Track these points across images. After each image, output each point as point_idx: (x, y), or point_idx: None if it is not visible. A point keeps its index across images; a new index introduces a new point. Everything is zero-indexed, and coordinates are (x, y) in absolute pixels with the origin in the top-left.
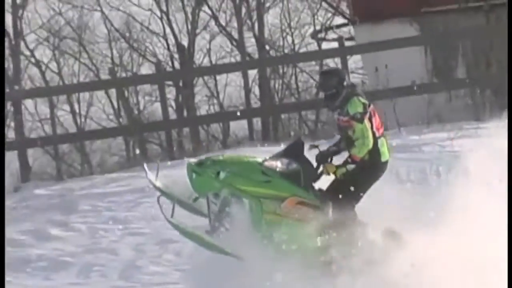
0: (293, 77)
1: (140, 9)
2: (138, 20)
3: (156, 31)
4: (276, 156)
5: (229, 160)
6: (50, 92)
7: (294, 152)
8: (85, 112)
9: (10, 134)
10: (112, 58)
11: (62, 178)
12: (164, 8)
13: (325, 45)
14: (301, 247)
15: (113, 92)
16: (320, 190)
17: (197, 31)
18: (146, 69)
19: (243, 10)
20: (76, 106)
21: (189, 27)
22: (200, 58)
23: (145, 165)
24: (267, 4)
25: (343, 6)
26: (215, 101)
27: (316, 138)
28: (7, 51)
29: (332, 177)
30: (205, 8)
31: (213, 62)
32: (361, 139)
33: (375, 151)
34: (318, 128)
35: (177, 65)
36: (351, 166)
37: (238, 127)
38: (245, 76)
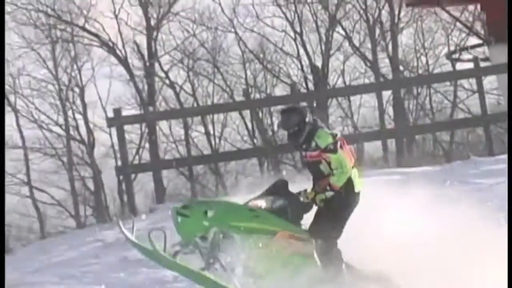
0: (427, 98)
1: (274, 30)
2: (272, 42)
3: (290, 52)
4: (260, 197)
5: (214, 201)
6: (185, 114)
7: (277, 190)
8: (219, 133)
9: (145, 155)
10: (246, 79)
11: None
12: (298, 30)
13: (459, 66)
14: (306, 279)
15: (247, 113)
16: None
17: (331, 52)
18: (280, 90)
19: (377, 31)
20: (210, 127)
21: (323, 48)
22: (334, 79)
23: (120, 222)
24: (401, 25)
25: (478, 27)
26: (349, 122)
27: (451, 159)
28: (142, 73)
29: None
30: (339, 29)
31: (347, 83)
32: (339, 168)
33: (349, 182)
34: (453, 148)
35: (311, 86)
36: (329, 193)
37: (373, 148)
38: (379, 97)
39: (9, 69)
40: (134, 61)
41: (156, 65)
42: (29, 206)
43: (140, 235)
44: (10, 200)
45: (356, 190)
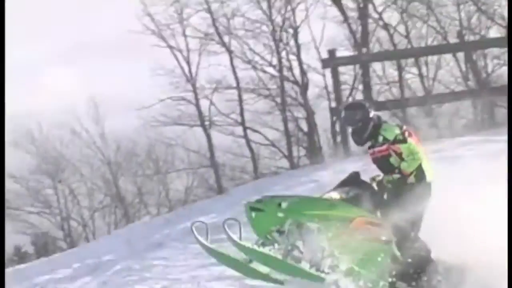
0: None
1: None
2: None
3: None
4: (334, 189)
5: (288, 195)
6: (398, 55)
7: (351, 181)
8: (433, 75)
9: (358, 96)
10: (460, 21)
11: None
12: None
13: None
14: (375, 267)
15: (461, 55)
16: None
17: None
18: (495, 32)
19: None
20: (424, 69)
21: None
22: None
23: (193, 227)
24: None
25: None
26: None
27: None
28: (356, 14)
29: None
30: None
31: None
32: (411, 155)
33: (421, 171)
34: None
35: None
36: (396, 176)
37: None
38: None
39: (223, 10)
40: (348, 3)
41: (370, 6)
42: (243, 147)
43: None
44: (224, 140)
45: (428, 179)
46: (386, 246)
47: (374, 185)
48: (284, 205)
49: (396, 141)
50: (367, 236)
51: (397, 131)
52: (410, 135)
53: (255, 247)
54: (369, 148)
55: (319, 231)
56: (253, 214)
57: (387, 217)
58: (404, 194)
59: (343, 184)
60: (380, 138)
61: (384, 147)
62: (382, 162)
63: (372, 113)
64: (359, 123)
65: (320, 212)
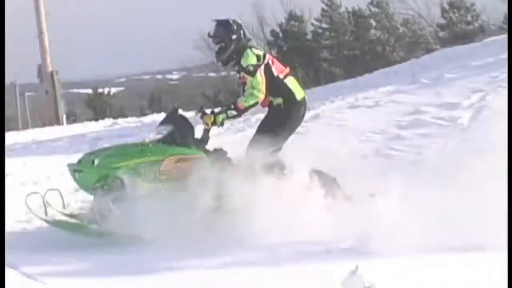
0: None
1: None
2: None
3: None
4: (153, 130)
5: (103, 148)
6: None
7: (168, 119)
8: None
9: None
10: None
11: None
12: None
13: None
14: (197, 203)
15: None
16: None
17: None
18: None
19: None
20: None
21: None
22: None
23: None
24: None
25: None
26: None
27: None
28: None
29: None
30: None
31: None
32: (250, 89)
33: (287, 92)
34: None
35: None
36: (232, 112)
37: None
38: None
39: None
40: None
41: None
42: None
43: None
44: None
45: (298, 97)
46: (202, 180)
47: (204, 123)
48: (96, 161)
49: (245, 70)
50: (177, 174)
51: (252, 61)
52: (269, 66)
53: (55, 218)
54: (237, 72)
55: (130, 180)
56: (76, 175)
57: (251, 141)
58: (274, 117)
59: (161, 123)
60: (240, 64)
61: (241, 74)
62: (243, 90)
63: (237, 35)
64: (219, 40)
65: (130, 161)
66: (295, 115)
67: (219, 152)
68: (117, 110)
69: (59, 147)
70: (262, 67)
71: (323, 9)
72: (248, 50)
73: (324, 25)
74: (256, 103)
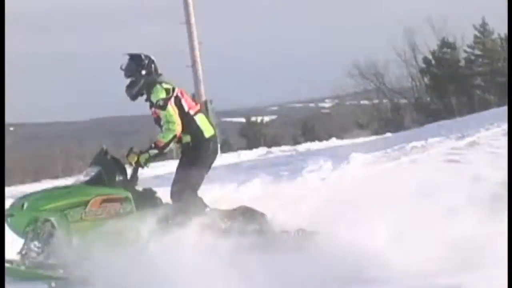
0: None
1: None
2: None
3: None
4: (84, 171)
5: (34, 192)
6: None
7: (98, 160)
8: None
9: None
10: None
11: None
12: None
13: None
14: (123, 240)
15: None
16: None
17: None
18: None
19: None
20: None
21: None
22: None
23: None
24: None
25: None
26: None
27: None
28: None
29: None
30: None
31: None
32: (165, 124)
33: (196, 130)
34: None
35: None
36: (153, 151)
37: None
38: None
39: None
40: None
41: None
42: None
43: None
44: None
45: (207, 135)
46: (127, 218)
47: (127, 162)
48: (25, 205)
49: (156, 105)
50: (104, 214)
51: (162, 95)
52: (179, 100)
53: None
54: (150, 107)
55: (58, 222)
56: (9, 219)
57: (173, 182)
58: (185, 156)
59: (91, 164)
60: (151, 100)
61: (153, 109)
62: (159, 124)
63: (147, 70)
64: (130, 76)
65: (58, 203)
66: (204, 153)
67: (147, 192)
68: (270, 138)
69: (214, 176)
70: (172, 99)
71: (475, 36)
72: (158, 85)
73: (477, 52)
74: (175, 136)
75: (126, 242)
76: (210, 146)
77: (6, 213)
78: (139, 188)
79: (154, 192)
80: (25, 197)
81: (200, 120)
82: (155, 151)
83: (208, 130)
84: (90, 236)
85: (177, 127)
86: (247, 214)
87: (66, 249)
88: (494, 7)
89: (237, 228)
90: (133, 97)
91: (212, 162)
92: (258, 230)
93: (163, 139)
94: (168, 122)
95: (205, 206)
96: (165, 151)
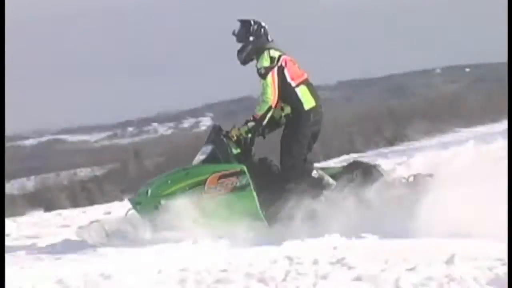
0: None
1: None
2: None
3: None
4: (200, 151)
5: (160, 176)
6: None
7: (210, 139)
8: None
9: None
10: None
11: None
12: None
13: None
14: (241, 213)
15: None
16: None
17: None
18: None
19: None
20: None
21: None
22: None
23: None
24: None
25: None
26: None
27: None
28: None
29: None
30: None
31: None
32: (262, 95)
33: (296, 101)
34: None
35: None
36: (251, 124)
37: None
38: None
39: None
40: None
41: None
42: None
43: None
44: None
45: (306, 107)
46: (244, 191)
47: (230, 136)
48: (149, 191)
49: (258, 72)
50: (222, 190)
51: (266, 63)
52: (282, 69)
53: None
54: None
55: (181, 203)
56: (138, 208)
57: (280, 151)
58: (286, 128)
59: (207, 141)
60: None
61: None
62: None
63: (255, 36)
64: (241, 41)
65: (177, 186)
66: (303, 124)
67: (263, 162)
68: None
69: None
70: (275, 69)
71: None
72: (265, 52)
73: None
74: (270, 107)
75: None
76: (310, 118)
77: (134, 201)
78: (256, 158)
79: (270, 161)
80: (149, 183)
81: (302, 91)
82: (253, 123)
83: (308, 102)
84: (212, 212)
85: (272, 98)
86: (359, 168)
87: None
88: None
89: (351, 182)
90: (243, 62)
91: (315, 133)
92: (372, 180)
93: (259, 111)
94: (263, 93)
95: (312, 169)
96: (264, 122)
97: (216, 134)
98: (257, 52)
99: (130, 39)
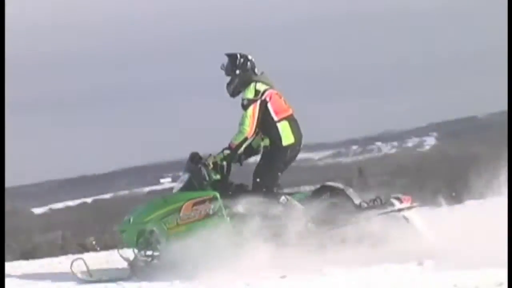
0: None
1: None
2: None
3: None
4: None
5: (142, 205)
6: None
7: (187, 167)
8: None
9: None
10: None
11: None
12: None
13: None
14: (215, 238)
15: None
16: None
17: None
18: None
19: None
20: None
21: None
22: None
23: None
24: None
25: None
26: None
27: None
28: None
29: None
30: None
31: None
32: (240, 126)
33: (275, 136)
34: None
35: None
36: (227, 152)
37: None
38: None
39: None
40: None
41: None
42: None
43: None
44: None
45: (285, 143)
46: (216, 217)
47: (206, 163)
48: (131, 219)
49: (242, 103)
50: (196, 217)
51: (250, 95)
52: (265, 103)
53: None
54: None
55: (159, 230)
56: (123, 235)
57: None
58: (262, 158)
59: (183, 171)
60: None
61: None
62: None
63: (241, 69)
64: (228, 74)
65: (156, 213)
66: (278, 159)
67: (240, 188)
68: None
69: None
70: (258, 102)
71: None
72: (252, 84)
73: None
74: (246, 139)
75: (215, 240)
76: (286, 154)
77: (119, 229)
78: (233, 185)
79: (246, 186)
80: (132, 211)
81: (282, 127)
82: (228, 152)
83: (287, 138)
84: (189, 236)
85: (249, 130)
86: (328, 191)
87: (168, 253)
88: None
89: (319, 204)
90: (231, 94)
91: (287, 166)
92: (340, 203)
93: (235, 140)
94: (242, 123)
95: (280, 195)
96: (239, 151)
97: (192, 163)
98: (244, 84)
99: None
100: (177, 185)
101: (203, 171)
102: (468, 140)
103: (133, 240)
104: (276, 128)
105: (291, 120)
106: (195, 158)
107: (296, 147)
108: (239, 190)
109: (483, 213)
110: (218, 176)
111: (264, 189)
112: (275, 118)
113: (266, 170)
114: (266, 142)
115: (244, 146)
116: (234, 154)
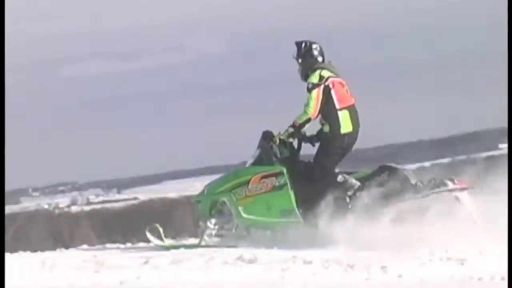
0: None
1: None
2: None
3: None
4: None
5: (216, 179)
6: None
7: (259, 144)
8: None
9: None
10: None
11: None
12: None
13: None
14: (279, 210)
15: None
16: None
17: None
18: None
19: None
20: None
21: None
22: None
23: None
24: None
25: None
26: None
27: None
28: None
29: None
30: None
31: None
32: (304, 106)
33: (334, 123)
34: None
35: None
36: (291, 129)
37: None
38: None
39: None
40: None
41: None
42: None
43: None
44: None
45: (342, 131)
46: (281, 190)
47: (277, 140)
48: (206, 190)
49: (307, 87)
50: (264, 189)
51: (314, 79)
52: (329, 90)
53: (170, 243)
54: None
55: (229, 202)
56: (198, 206)
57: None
58: (320, 144)
59: (257, 147)
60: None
61: None
62: None
63: (306, 55)
64: (298, 59)
65: (227, 185)
66: (336, 146)
67: (307, 165)
68: None
69: None
70: (321, 87)
71: None
72: (317, 71)
73: None
74: (309, 119)
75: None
76: (344, 141)
77: (195, 199)
78: (302, 162)
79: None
80: (207, 185)
81: (343, 115)
82: (291, 129)
83: (346, 126)
84: (255, 209)
85: (312, 111)
86: (387, 170)
87: (239, 222)
88: None
89: (375, 184)
90: (303, 78)
91: (345, 154)
92: (398, 182)
93: (299, 120)
94: (306, 105)
95: (337, 174)
96: (302, 130)
97: (264, 140)
98: (310, 70)
99: None
100: (249, 160)
101: (273, 148)
102: None
103: (206, 210)
104: (337, 116)
105: (351, 110)
106: (267, 136)
107: (353, 135)
108: (306, 167)
109: None
110: (287, 153)
111: (323, 174)
112: (337, 106)
113: (325, 156)
114: (326, 128)
115: (306, 126)
116: (297, 133)
